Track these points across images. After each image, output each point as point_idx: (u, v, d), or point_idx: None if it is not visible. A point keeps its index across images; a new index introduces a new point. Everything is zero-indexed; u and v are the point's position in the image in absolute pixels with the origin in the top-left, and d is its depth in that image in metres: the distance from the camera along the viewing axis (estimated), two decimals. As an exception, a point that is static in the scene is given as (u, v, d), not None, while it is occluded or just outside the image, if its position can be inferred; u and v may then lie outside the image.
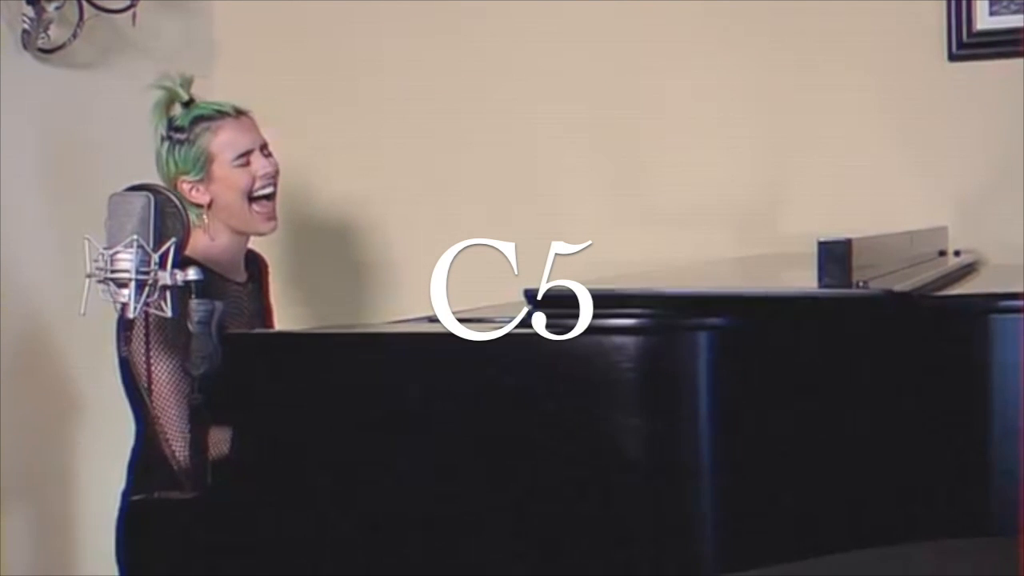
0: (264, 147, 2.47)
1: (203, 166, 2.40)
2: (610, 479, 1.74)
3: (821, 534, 1.84)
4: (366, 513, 1.82)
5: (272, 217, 2.46)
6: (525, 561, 1.76)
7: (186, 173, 2.40)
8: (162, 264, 1.93)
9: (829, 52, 2.97)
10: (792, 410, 1.81)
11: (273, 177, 2.46)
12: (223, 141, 2.42)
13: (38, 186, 2.89)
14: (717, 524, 1.76)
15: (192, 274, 1.95)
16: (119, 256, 1.92)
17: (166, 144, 2.42)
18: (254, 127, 2.47)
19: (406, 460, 1.81)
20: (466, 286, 2.95)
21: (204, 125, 2.41)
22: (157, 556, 1.93)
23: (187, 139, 2.40)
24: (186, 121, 2.42)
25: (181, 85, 2.45)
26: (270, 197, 2.45)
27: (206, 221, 2.41)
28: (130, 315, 1.93)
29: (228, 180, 2.41)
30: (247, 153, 2.43)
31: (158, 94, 2.44)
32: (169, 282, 1.93)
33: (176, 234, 1.96)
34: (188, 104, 2.45)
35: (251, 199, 2.43)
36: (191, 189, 2.41)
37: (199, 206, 2.41)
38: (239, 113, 2.45)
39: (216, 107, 2.44)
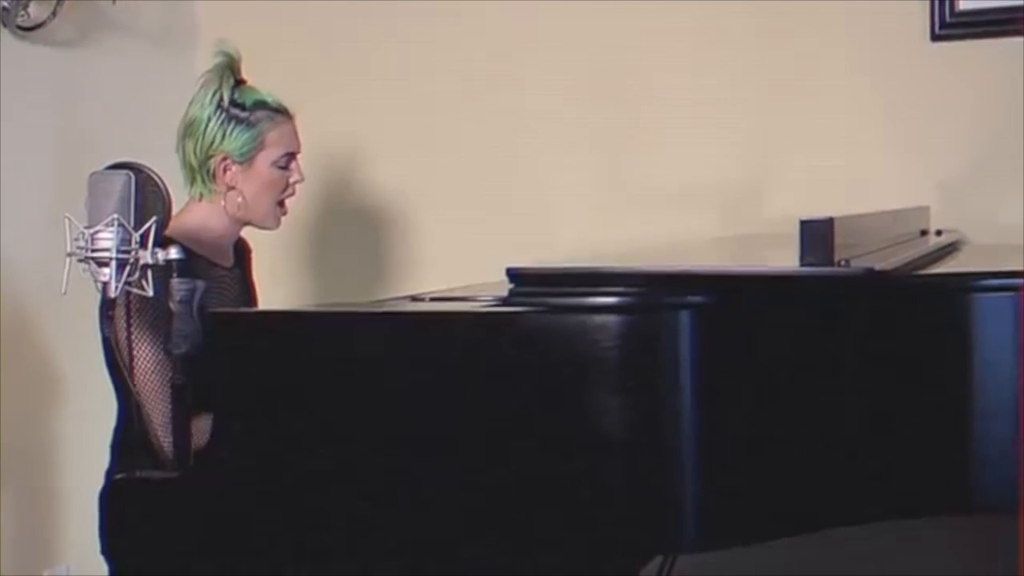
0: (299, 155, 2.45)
1: (249, 152, 2.35)
2: (592, 457, 1.75)
3: (803, 511, 1.85)
4: (348, 491, 1.82)
5: (283, 215, 2.45)
6: (507, 538, 1.77)
7: (231, 151, 2.35)
8: (143, 243, 1.92)
9: (812, 34, 2.97)
10: (774, 388, 1.82)
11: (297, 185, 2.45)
12: (278, 137, 2.38)
13: (18, 165, 2.87)
14: (699, 501, 1.77)
15: (173, 253, 1.94)
16: (100, 235, 1.92)
17: (220, 115, 2.34)
18: (297, 132, 2.45)
19: (388, 439, 1.81)
20: (452, 264, 2.97)
21: (267, 114, 2.37)
22: (140, 535, 1.93)
23: (247, 120, 2.35)
24: (248, 101, 2.37)
25: (239, 59, 2.39)
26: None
27: (223, 203, 2.37)
28: (111, 294, 1.93)
29: (267, 176, 2.38)
30: (291, 156, 2.42)
31: (220, 59, 2.36)
32: (150, 261, 1.93)
33: (157, 213, 1.95)
34: (239, 82, 2.39)
35: (277, 201, 2.42)
36: (225, 167, 2.36)
37: (220, 184, 2.36)
38: (292, 115, 2.43)
39: (278, 100, 2.40)
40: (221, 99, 2.35)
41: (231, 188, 2.37)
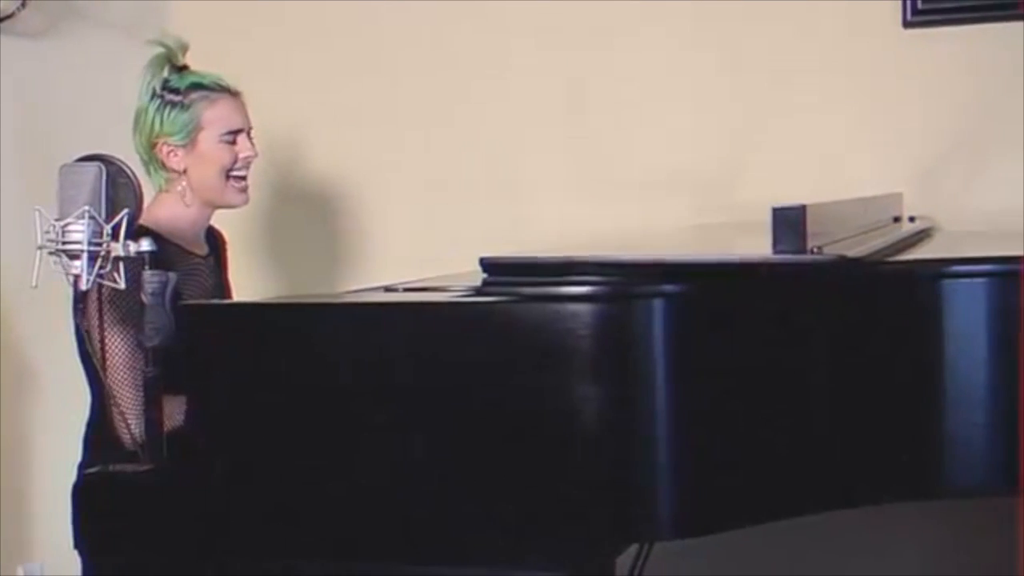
0: (250, 131, 2.44)
1: (190, 134, 2.36)
2: (566, 445, 1.75)
3: (777, 498, 1.86)
4: (321, 483, 1.82)
5: (245, 189, 2.44)
6: (483, 527, 1.77)
7: (171, 136, 2.35)
8: (114, 235, 1.91)
9: (784, 21, 2.98)
10: (747, 376, 1.82)
11: (250, 161, 2.44)
12: (217, 115, 2.38)
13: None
14: (673, 488, 1.77)
15: (145, 245, 1.93)
16: (71, 228, 1.91)
17: (156, 102, 2.36)
18: (245, 109, 2.44)
19: (361, 430, 1.81)
20: (421, 255, 2.96)
21: (202, 94, 2.37)
22: (113, 529, 1.92)
23: (181, 103, 2.36)
24: (183, 84, 2.37)
25: (179, 48, 2.41)
26: (244, 177, 2.43)
27: (179, 189, 2.38)
28: (83, 287, 1.92)
29: (211, 154, 2.38)
30: (236, 132, 2.41)
31: (156, 51, 2.38)
32: (122, 253, 1.92)
33: (128, 205, 1.94)
34: (181, 69, 2.40)
35: (226, 176, 2.41)
36: (170, 153, 2.36)
37: (171, 171, 2.38)
38: (234, 92, 2.43)
39: (215, 79, 2.40)
40: (155, 87, 2.36)
41: (182, 173, 2.37)
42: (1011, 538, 2.31)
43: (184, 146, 2.37)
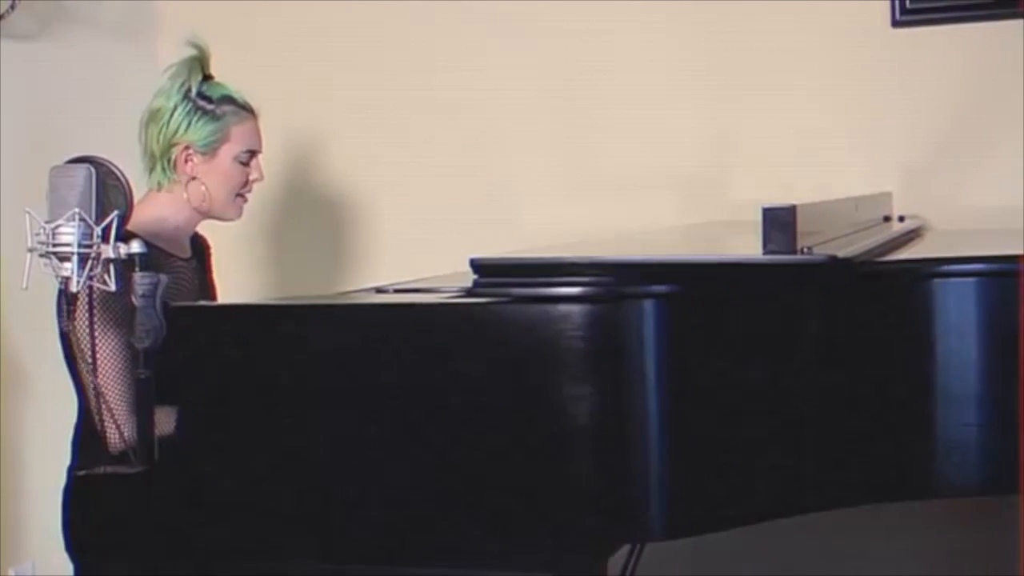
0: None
1: (213, 144, 2.36)
2: (558, 446, 1.75)
3: (769, 499, 1.86)
4: (313, 484, 1.82)
5: (242, 206, 2.45)
6: (473, 528, 1.77)
7: (194, 141, 2.35)
8: (105, 237, 1.91)
9: (775, 20, 2.98)
10: (738, 376, 1.82)
11: (256, 184, 2.46)
12: (242, 133, 2.39)
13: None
14: (665, 489, 1.77)
15: (136, 247, 1.93)
16: (61, 230, 1.90)
17: (187, 105, 2.35)
18: (260, 132, 2.46)
19: (353, 431, 1.81)
20: (413, 257, 2.96)
21: (233, 109, 2.39)
22: (103, 531, 1.92)
23: (213, 112, 2.36)
24: (215, 94, 2.38)
25: (209, 55, 2.40)
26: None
27: (184, 196, 2.37)
28: (73, 289, 1.91)
29: (227, 170, 2.39)
30: (253, 153, 2.42)
31: (191, 52, 2.37)
32: (112, 255, 1.91)
33: (118, 206, 1.94)
34: (206, 77, 2.40)
35: (235, 194, 2.42)
36: (188, 157, 2.36)
37: (180, 174, 2.36)
38: (256, 113, 2.44)
39: (243, 97, 2.41)
40: (188, 90, 2.36)
41: (192, 179, 2.37)
42: (1011, 538, 2.31)
43: (203, 154, 2.37)
